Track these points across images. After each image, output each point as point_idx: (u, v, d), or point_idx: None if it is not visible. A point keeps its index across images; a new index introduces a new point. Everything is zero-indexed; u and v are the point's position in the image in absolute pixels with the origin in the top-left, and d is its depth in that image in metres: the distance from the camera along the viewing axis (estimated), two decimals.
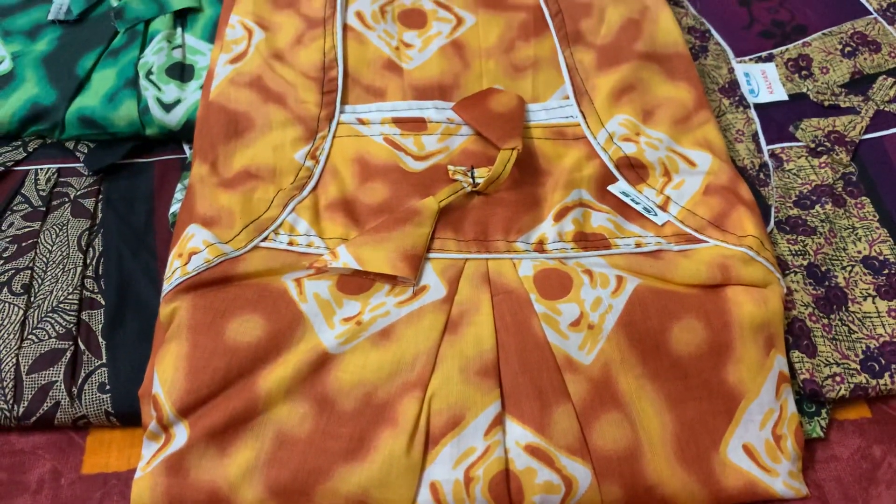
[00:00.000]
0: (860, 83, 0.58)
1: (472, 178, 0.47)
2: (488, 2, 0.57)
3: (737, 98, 0.57)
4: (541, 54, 0.55)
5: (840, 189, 0.51)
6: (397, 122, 0.50)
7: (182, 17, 0.59)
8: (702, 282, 0.43)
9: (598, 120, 0.51)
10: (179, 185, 0.51)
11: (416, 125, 0.50)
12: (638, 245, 0.45)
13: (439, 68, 0.53)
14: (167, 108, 0.53)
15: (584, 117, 0.51)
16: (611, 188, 0.48)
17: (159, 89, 0.53)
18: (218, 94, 0.51)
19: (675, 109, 0.51)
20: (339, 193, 0.47)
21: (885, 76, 0.58)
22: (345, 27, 0.54)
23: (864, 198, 0.51)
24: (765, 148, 0.54)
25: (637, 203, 0.47)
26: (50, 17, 0.58)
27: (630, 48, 0.53)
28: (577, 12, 0.56)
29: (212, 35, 0.58)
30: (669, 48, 0.54)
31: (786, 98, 0.57)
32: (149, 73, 0.54)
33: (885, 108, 0.56)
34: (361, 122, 0.50)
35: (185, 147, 0.54)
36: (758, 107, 0.57)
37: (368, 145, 0.49)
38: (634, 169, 0.49)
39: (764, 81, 0.58)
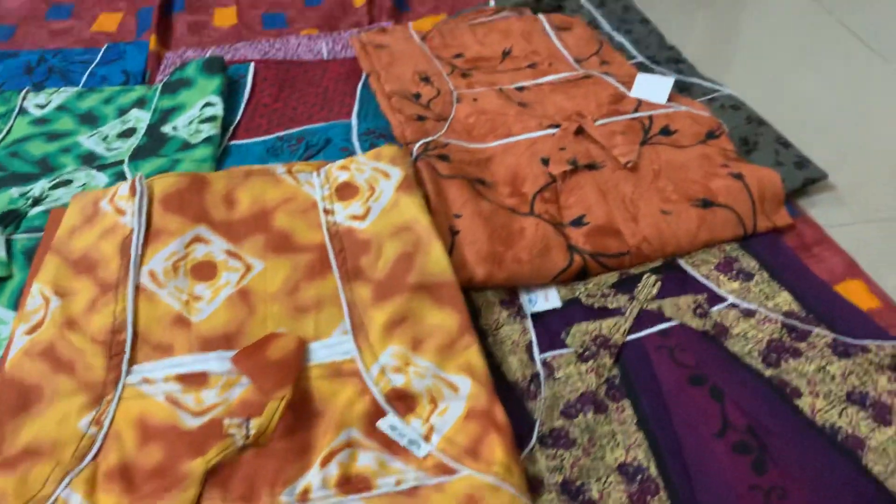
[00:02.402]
0: (628, 283, 0.64)
1: (247, 429, 0.50)
2: (277, 246, 0.62)
3: (515, 309, 0.62)
4: (323, 293, 0.59)
5: (603, 394, 0.56)
6: (180, 378, 0.53)
7: None
8: None
9: (372, 353, 0.54)
10: None
11: (197, 379, 0.53)
12: (398, 483, 0.47)
13: (225, 318, 0.57)
14: None
15: (360, 351, 0.55)
16: (379, 424, 0.51)
17: None
18: (12, 366, 0.53)
19: (442, 337, 0.55)
20: (119, 459, 0.49)
21: (649, 274, 0.64)
22: (138, 288, 0.58)
23: (625, 400, 0.55)
24: (538, 357, 0.58)
25: (403, 437, 0.50)
26: None
27: (403, 280, 0.58)
28: (358, 249, 0.61)
29: (18, 302, 0.61)
30: (438, 277, 0.59)
31: (559, 305, 0.62)
32: None
33: (647, 307, 0.61)
34: (146, 381, 0.53)
35: None
36: (534, 316, 0.62)
37: (151, 406, 0.52)
38: (403, 400, 0.52)
39: (541, 290, 0.64)
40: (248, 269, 0.61)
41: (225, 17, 1.07)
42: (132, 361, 0.54)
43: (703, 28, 1.06)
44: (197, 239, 0.62)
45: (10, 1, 1.12)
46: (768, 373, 0.56)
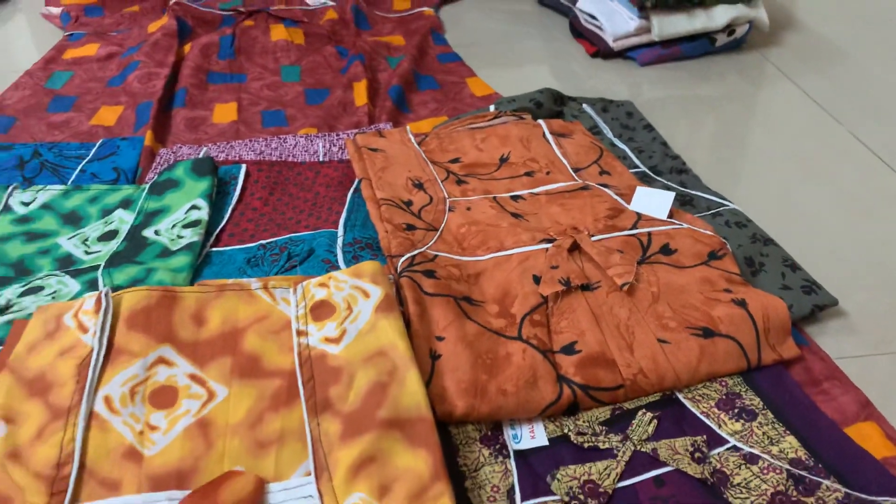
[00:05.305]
0: (621, 419, 0.59)
1: None
2: (244, 370, 0.58)
3: (497, 447, 0.57)
4: (288, 426, 0.55)
5: None
6: None
7: None
8: None
9: (335, 499, 0.50)
10: None
11: None
12: None
13: (180, 453, 0.53)
14: None
15: (321, 497, 0.50)
16: None
17: None
18: None
19: (412, 483, 0.50)
20: None
21: (644, 410, 0.60)
22: (91, 414, 0.54)
23: None
24: None
25: None
26: None
27: (374, 415, 0.53)
28: (328, 378, 0.57)
29: None
30: (412, 412, 0.54)
31: (546, 443, 0.58)
32: None
33: (641, 449, 0.56)
34: None
35: None
36: (517, 454, 0.57)
37: None
38: None
39: (526, 424, 0.59)
40: (211, 396, 0.57)
41: (225, 114, 1.06)
42: (75, 499, 0.50)
43: (709, 136, 1.04)
44: (160, 361, 0.58)
45: (13, 93, 1.12)
46: None
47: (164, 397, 0.56)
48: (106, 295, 0.61)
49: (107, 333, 0.59)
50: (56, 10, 1.39)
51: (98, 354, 0.57)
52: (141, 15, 1.37)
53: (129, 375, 0.57)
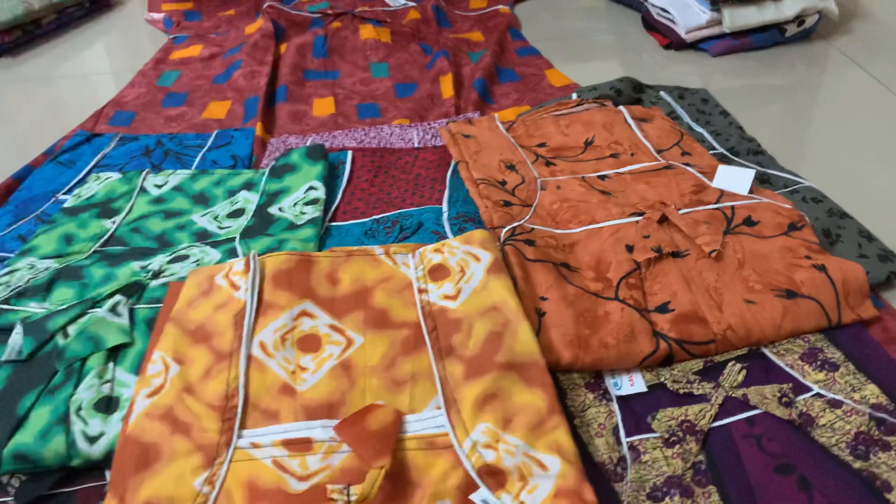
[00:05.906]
0: (712, 370, 0.65)
1: (348, 496, 0.53)
2: (376, 322, 0.66)
3: (601, 392, 0.64)
4: (418, 368, 0.62)
5: (689, 479, 0.57)
6: (286, 443, 0.57)
7: (115, 352, 0.68)
8: None
9: (465, 428, 0.57)
10: None
11: (302, 446, 0.57)
12: None
13: (328, 388, 0.61)
14: (92, 440, 0.60)
15: (453, 427, 0.58)
16: (472, 496, 0.53)
17: (86, 423, 0.61)
18: (134, 426, 0.58)
19: (531, 416, 0.57)
20: None
21: (734, 361, 0.66)
22: (249, 357, 0.63)
23: (711, 486, 0.56)
24: (624, 441, 0.60)
25: None
26: (3, 358, 0.67)
27: (492, 359, 0.61)
28: (450, 328, 0.65)
29: (139, 368, 0.66)
30: (526, 357, 0.61)
31: (645, 389, 0.64)
32: (79, 409, 0.62)
33: (733, 394, 0.62)
34: (255, 445, 0.57)
35: (107, 473, 0.61)
36: (620, 399, 0.64)
37: (258, 469, 0.55)
38: (494, 476, 0.54)
39: (626, 374, 0.66)
40: (350, 343, 0.65)
41: (323, 108, 1.15)
42: (242, 426, 0.58)
43: (779, 121, 1.09)
44: (303, 313, 0.67)
45: (130, 91, 1.23)
46: (857, 465, 0.56)
47: (310, 343, 0.65)
48: (253, 258, 0.70)
49: (256, 291, 0.68)
50: (159, 16, 1.51)
51: (251, 307, 0.66)
52: (237, 18, 1.47)
53: (278, 325, 0.65)
